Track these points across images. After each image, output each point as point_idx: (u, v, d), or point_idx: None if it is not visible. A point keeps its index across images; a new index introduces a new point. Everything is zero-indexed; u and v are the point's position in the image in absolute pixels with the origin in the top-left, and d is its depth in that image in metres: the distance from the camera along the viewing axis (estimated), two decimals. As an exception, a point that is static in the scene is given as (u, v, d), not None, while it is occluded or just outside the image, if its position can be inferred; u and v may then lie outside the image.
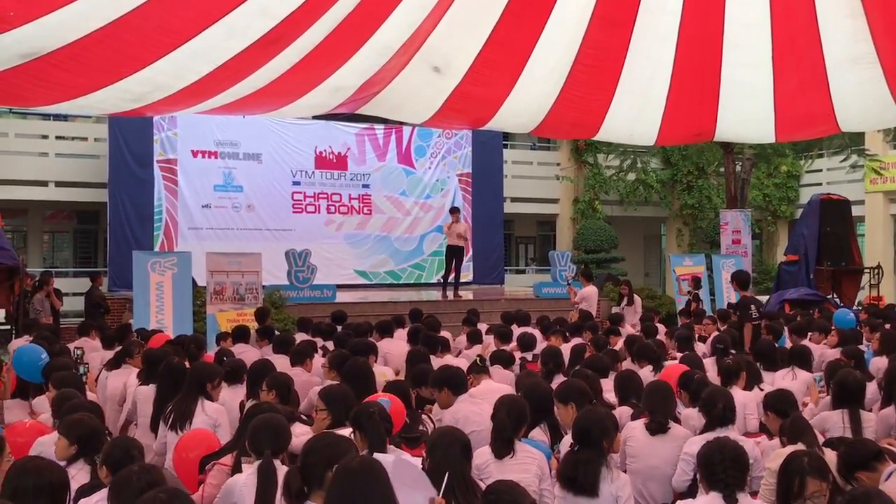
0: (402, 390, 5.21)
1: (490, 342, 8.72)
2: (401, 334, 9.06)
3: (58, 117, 19.28)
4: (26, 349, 6.46)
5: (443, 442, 3.56)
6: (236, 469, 3.94)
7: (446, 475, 3.11)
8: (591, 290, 12.61)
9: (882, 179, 22.54)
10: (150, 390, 5.86)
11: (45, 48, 5.48)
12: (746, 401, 5.76)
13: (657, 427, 4.72)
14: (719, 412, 4.65)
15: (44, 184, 18.69)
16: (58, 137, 19.36)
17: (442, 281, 16.86)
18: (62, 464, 3.98)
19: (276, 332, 8.65)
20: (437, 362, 7.12)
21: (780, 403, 4.77)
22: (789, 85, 7.60)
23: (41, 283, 12.86)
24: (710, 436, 4.39)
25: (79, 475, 3.88)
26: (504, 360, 7.21)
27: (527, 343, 8.18)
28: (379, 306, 14.48)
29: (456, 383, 5.39)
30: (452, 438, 3.60)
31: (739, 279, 10.14)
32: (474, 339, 8.78)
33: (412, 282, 20.64)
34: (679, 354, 7.48)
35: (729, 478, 3.44)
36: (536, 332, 9.10)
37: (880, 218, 23.76)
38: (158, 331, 9.30)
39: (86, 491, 3.57)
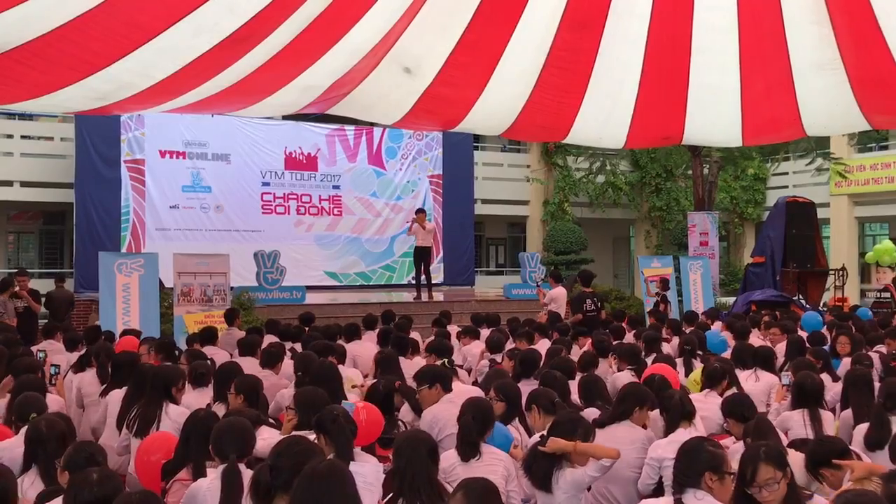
0: (386, 394, 5.21)
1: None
2: (370, 336, 9.01)
3: (23, 116, 19.00)
4: None
5: (409, 444, 3.55)
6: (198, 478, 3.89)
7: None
8: (559, 292, 12.63)
9: (846, 182, 22.87)
10: (120, 393, 5.78)
11: (7, 44, 5.39)
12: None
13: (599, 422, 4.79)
14: (676, 404, 4.67)
15: (9, 184, 18.41)
16: (23, 137, 19.07)
17: (414, 282, 16.79)
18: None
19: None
20: (406, 364, 7.11)
21: (737, 408, 4.82)
22: (756, 89, 7.68)
23: (5, 285, 12.65)
24: (673, 437, 4.43)
25: (36, 482, 3.83)
26: (440, 349, 7.24)
27: (495, 344, 8.18)
28: (349, 308, 14.42)
29: (447, 380, 5.44)
30: (418, 441, 3.59)
31: (582, 277, 12.37)
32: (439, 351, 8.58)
33: (383, 283, 20.59)
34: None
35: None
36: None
37: (845, 220, 24.11)
38: (133, 331, 9.12)
39: (45, 497, 3.51)
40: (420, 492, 3.35)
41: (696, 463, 3.44)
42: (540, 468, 4.02)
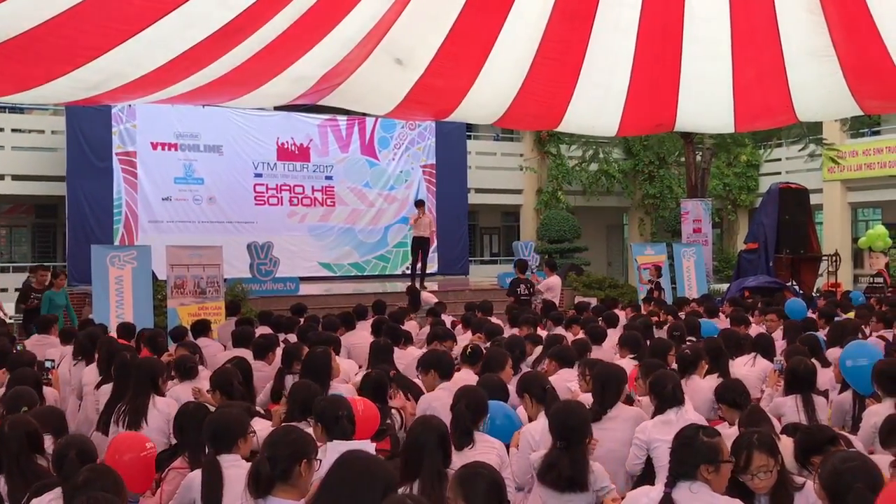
0: (379, 383, 5.20)
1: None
2: (364, 326, 9.01)
3: (14, 109, 18.89)
4: None
5: (419, 431, 3.56)
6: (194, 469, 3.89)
7: None
8: (554, 280, 12.67)
9: (839, 168, 22.90)
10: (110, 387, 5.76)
11: (-3, 38, 5.37)
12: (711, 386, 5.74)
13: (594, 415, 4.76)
14: (669, 393, 4.67)
15: (0, 178, 18.34)
16: (14, 130, 18.96)
17: (409, 272, 16.80)
18: None
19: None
20: (400, 354, 7.12)
21: (730, 394, 4.82)
22: (748, 77, 7.70)
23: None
24: (662, 418, 4.45)
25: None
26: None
27: (492, 332, 8.17)
28: (343, 298, 14.42)
29: (445, 367, 5.45)
30: (430, 428, 3.59)
31: (519, 265, 13.22)
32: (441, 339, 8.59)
33: (376, 273, 20.58)
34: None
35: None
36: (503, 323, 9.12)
37: (837, 206, 24.17)
38: (127, 325, 9.08)
39: (39, 489, 3.50)
40: (428, 479, 3.35)
41: (690, 456, 3.36)
42: (570, 471, 3.90)
